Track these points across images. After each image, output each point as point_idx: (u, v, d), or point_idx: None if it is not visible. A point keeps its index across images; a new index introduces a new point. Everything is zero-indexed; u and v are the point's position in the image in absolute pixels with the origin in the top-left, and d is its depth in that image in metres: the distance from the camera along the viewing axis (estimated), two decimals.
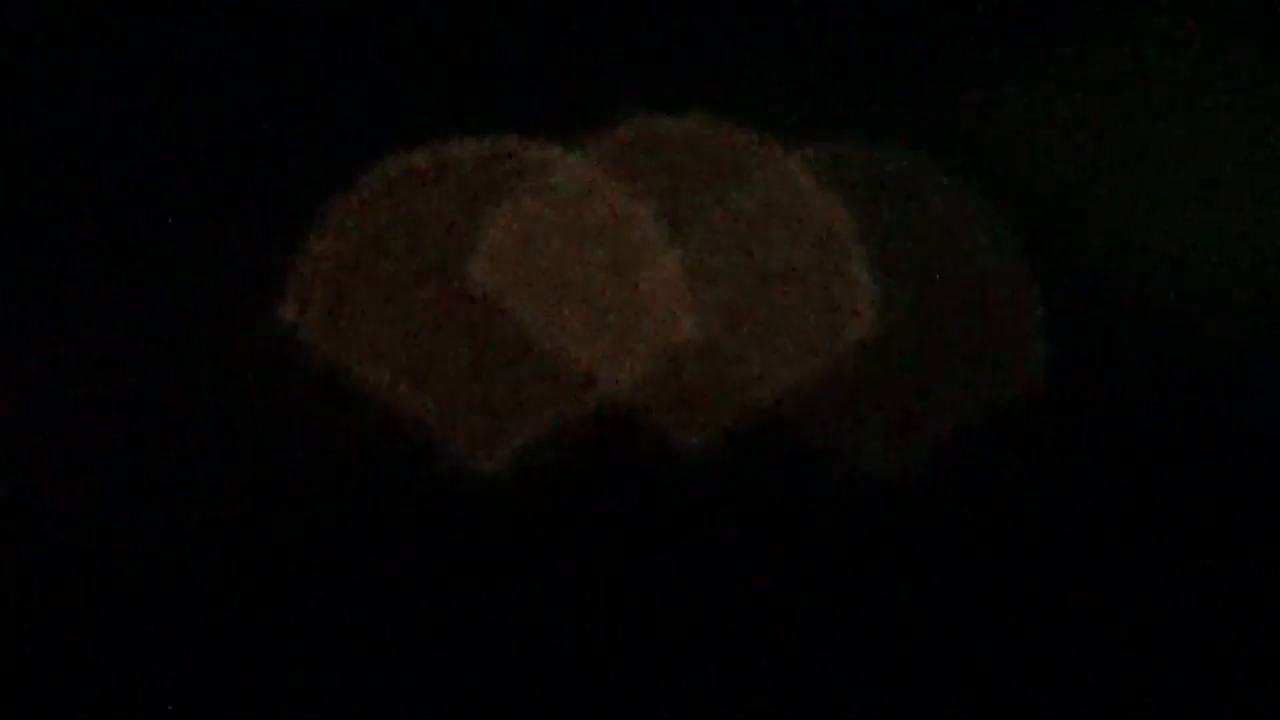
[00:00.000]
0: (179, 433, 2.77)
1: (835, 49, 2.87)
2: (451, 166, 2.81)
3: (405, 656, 2.80)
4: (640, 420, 2.80)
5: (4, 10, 2.68)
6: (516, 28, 2.85)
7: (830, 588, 2.83)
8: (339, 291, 2.78)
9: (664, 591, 2.82)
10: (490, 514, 2.79)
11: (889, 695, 2.82)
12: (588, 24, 2.84)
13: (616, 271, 2.82)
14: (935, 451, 2.82)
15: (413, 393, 2.79)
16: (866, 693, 2.82)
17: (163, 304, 2.77)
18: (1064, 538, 2.84)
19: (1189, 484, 2.85)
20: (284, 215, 2.77)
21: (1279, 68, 2.91)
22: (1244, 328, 2.88)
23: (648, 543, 2.81)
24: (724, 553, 2.82)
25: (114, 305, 2.77)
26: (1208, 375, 2.86)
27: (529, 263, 2.81)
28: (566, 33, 2.85)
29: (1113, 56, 2.89)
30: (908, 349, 2.84)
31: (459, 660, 2.80)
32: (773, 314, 2.83)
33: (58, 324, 2.78)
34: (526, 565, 2.80)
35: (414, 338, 2.79)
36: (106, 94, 2.79)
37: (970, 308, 2.85)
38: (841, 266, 2.84)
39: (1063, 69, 2.89)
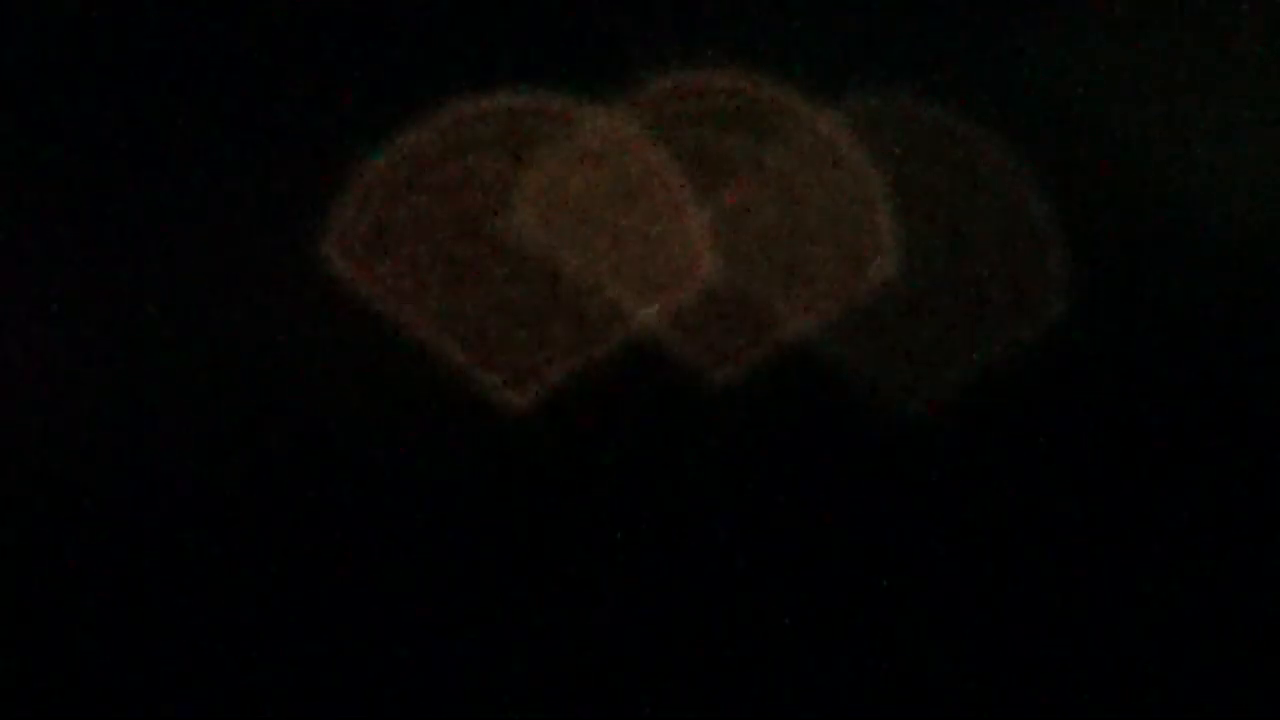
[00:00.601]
0: (215, 367, 2.86)
1: (866, 4, 2.95)
2: (493, 116, 2.90)
3: (437, 591, 2.85)
4: (669, 356, 2.87)
5: None
6: None
7: (854, 520, 2.87)
8: (378, 228, 2.87)
9: (691, 523, 2.87)
10: (523, 447, 2.86)
11: (911, 623, 2.85)
12: None
13: (648, 216, 2.89)
14: (958, 389, 2.86)
15: (447, 329, 2.87)
16: (889, 621, 2.85)
17: (205, 238, 2.86)
18: (1086, 473, 2.86)
19: (1214, 419, 2.87)
20: (327, 154, 2.87)
21: None
22: (1272, 268, 2.90)
23: (676, 474, 2.87)
24: (749, 484, 2.87)
25: (153, 238, 2.86)
26: (1235, 314, 2.88)
27: (563, 207, 2.89)
28: None
29: (1143, 3, 2.94)
30: (932, 289, 2.89)
31: (490, 592, 2.85)
32: (800, 255, 2.89)
33: (92, 257, 2.86)
34: (558, 497, 2.86)
35: (450, 276, 2.88)
36: (154, 23, 2.90)
37: (995, 249, 2.90)
38: (869, 211, 2.90)
39: (1092, 18, 2.94)
